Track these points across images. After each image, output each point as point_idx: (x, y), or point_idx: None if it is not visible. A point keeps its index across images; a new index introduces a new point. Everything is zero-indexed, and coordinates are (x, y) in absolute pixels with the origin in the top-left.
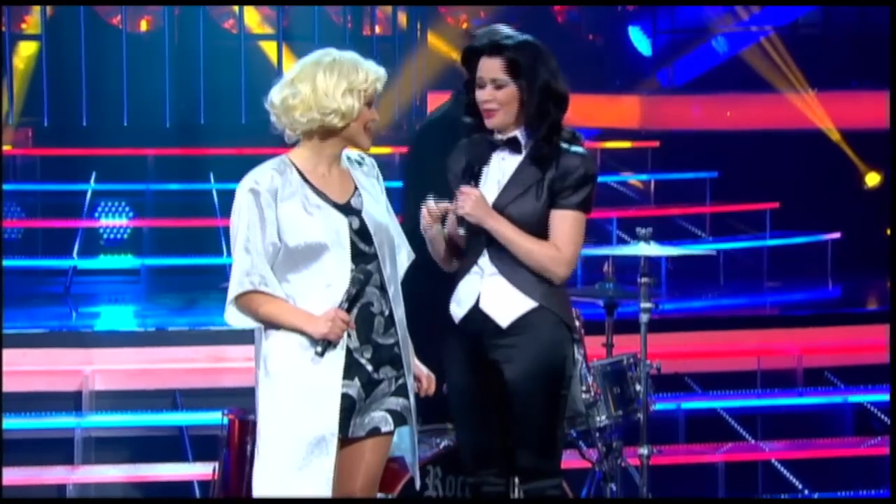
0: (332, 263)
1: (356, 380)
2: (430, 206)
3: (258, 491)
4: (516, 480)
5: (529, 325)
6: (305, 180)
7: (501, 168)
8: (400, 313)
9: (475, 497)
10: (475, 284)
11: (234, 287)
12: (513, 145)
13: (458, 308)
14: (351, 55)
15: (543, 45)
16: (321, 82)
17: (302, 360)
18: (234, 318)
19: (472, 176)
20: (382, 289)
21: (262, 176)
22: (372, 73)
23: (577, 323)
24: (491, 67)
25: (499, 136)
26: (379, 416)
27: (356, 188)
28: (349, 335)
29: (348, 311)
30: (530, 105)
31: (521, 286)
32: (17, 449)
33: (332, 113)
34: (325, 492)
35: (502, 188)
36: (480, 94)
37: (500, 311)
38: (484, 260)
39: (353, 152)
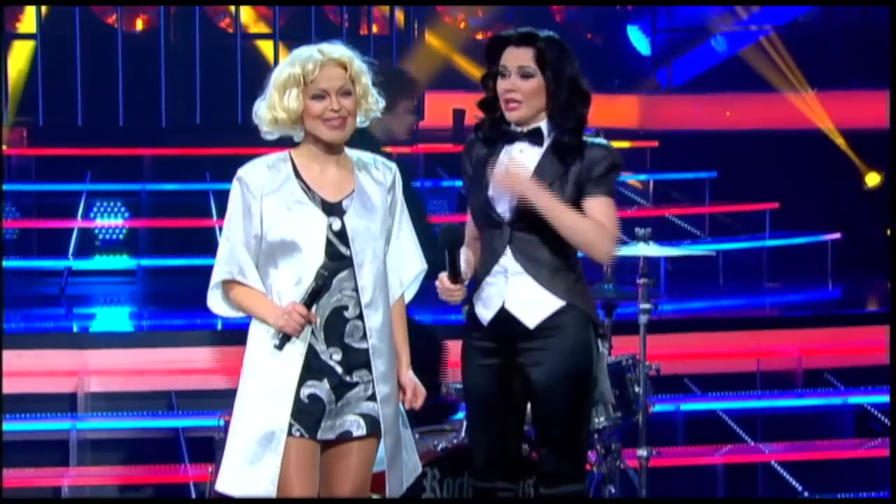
0: (304, 261)
1: (325, 381)
2: (448, 286)
3: (217, 482)
4: (525, 485)
5: (557, 327)
6: (298, 176)
7: (521, 160)
8: (374, 322)
9: (474, 498)
10: (500, 285)
11: (214, 275)
12: (534, 137)
13: (485, 310)
14: (299, 50)
15: (568, 44)
16: (271, 91)
17: (266, 355)
18: (216, 305)
19: (449, 261)
20: (357, 294)
21: (252, 168)
22: (303, 63)
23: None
24: (519, 56)
25: (519, 128)
26: (351, 420)
27: (353, 191)
28: (314, 335)
29: (309, 306)
30: (559, 96)
31: (546, 285)
32: (11, 451)
33: (280, 122)
34: (271, 490)
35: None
36: (503, 84)
37: (528, 313)
38: (507, 258)
39: (369, 156)
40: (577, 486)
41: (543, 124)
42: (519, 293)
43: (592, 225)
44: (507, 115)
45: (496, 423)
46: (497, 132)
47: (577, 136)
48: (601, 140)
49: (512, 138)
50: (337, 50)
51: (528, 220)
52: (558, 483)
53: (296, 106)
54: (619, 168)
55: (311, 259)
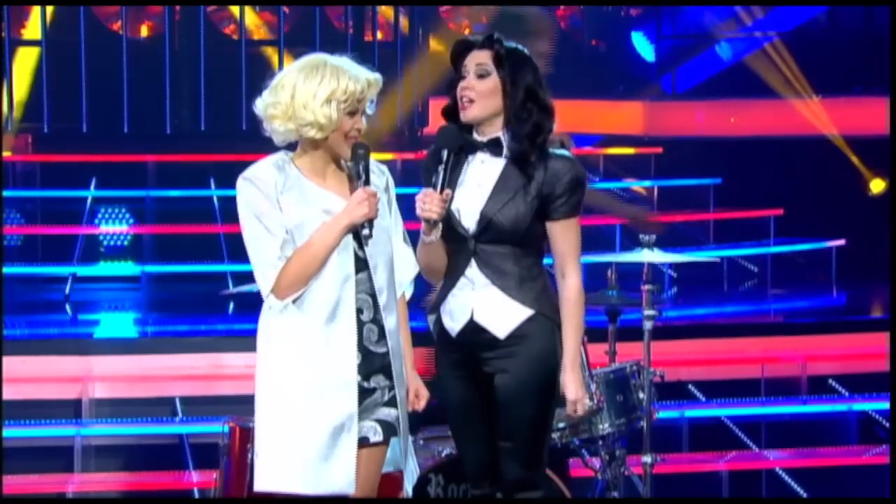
0: (330, 262)
1: None
2: (433, 194)
3: (280, 483)
4: None
5: (522, 335)
6: (304, 177)
7: (482, 171)
8: (391, 323)
9: (474, 498)
10: (467, 297)
11: (264, 282)
12: (494, 148)
13: (453, 322)
14: (339, 61)
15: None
16: (300, 91)
17: (311, 349)
18: (281, 300)
19: (443, 164)
20: (373, 297)
21: (260, 170)
22: (355, 81)
23: None
24: (478, 56)
25: (479, 138)
26: (368, 426)
27: None
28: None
29: (368, 182)
30: (514, 98)
31: (514, 295)
32: (16, 457)
33: (309, 125)
34: (350, 481)
35: (490, 194)
36: (461, 83)
37: (497, 323)
38: (472, 271)
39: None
40: (535, 493)
41: (502, 134)
42: (487, 304)
43: (580, 304)
44: (462, 114)
45: (480, 429)
46: (456, 131)
47: (532, 142)
48: (564, 152)
49: (473, 149)
50: (374, 73)
51: (491, 233)
52: (517, 489)
53: (336, 118)
54: (584, 183)
55: (337, 259)
